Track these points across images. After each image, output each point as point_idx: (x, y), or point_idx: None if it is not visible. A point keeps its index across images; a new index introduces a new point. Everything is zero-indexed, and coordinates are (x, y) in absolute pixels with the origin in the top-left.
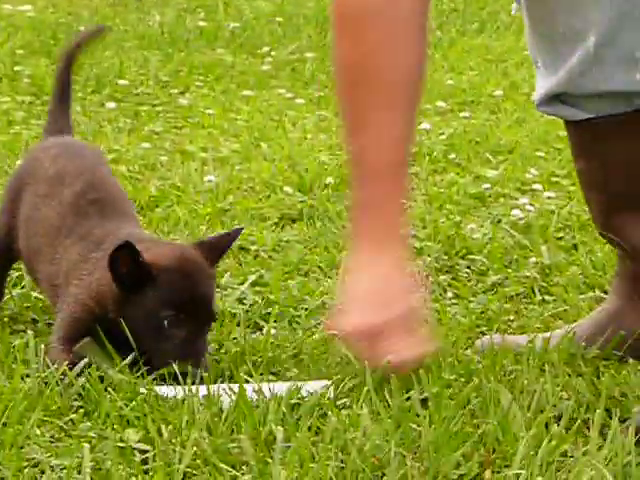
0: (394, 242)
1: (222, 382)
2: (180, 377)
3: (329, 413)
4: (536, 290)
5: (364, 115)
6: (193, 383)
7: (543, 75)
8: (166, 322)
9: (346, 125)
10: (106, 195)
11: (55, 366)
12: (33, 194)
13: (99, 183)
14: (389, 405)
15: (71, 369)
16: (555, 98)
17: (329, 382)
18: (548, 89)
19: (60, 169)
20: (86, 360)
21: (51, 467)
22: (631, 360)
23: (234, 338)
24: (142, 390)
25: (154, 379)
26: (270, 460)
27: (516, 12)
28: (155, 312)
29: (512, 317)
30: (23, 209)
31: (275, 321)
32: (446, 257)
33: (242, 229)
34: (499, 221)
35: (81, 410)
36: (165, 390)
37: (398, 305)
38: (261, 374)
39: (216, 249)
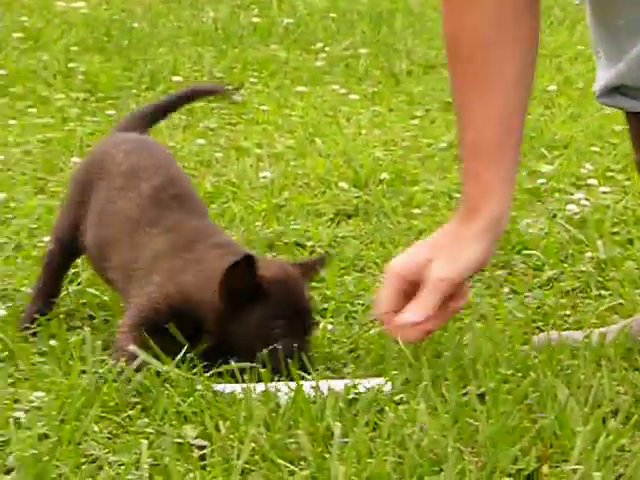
0: (477, 216)
1: (278, 377)
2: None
3: (386, 408)
4: (592, 285)
5: (461, 94)
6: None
7: (604, 66)
8: (275, 334)
9: (452, 101)
10: (184, 192)
11: (113, 362)
12: (106, 188)
13: (176, 179)
14: (446, 400)
15: (134, 358)
16: (615, 90)
17: (386, 378)
18: (608, 81)
19: (134, 164)
20: (144, 356)
21: (109, 463)
22: None
23: None
24: (199, 387)
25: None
26: (328, 455)
27: (580, 3)
28: (265, 325)
29: (568, 312)
30: (94, 203)
31: (331, 317)
32: (502, 252)
33: (330, 255)
34: (554, 216)
35: (138, 406)
36: (224, 387)
37: (440, 269)
38: (317, 370)
39: (308, 269)
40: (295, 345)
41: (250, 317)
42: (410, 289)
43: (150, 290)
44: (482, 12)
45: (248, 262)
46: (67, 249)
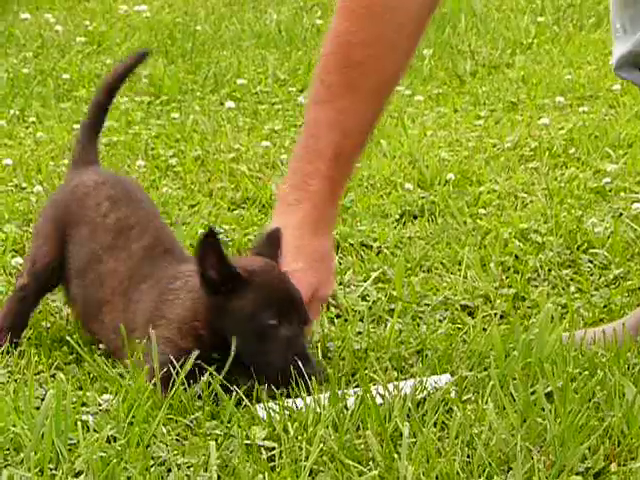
0: (327, 231)
1: (345, 378)
2: (305, 377)
3: (454, 408)
4: None
5: (330, 91)
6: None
7: (622, 40)
8: (270, 324)
9: (313, 91)
10: (172, 243)
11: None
12: (90, 240)
13: (163, 232)
14: (514, 399)
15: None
16: (633, 65)
17: (452, 376)
18: (625, 51)
19: (121, 220)
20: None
21: (177, 465)
22: None
23: (359, 333)
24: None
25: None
26: (396, 456)
27: None
28: (258, 315)
29: None
30: (77, 252)
31: (398, 317)
32: (568, 251)
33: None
34: (620, 215)
35: (207, 408)
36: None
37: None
38: (385, 370)
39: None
40: (291, 336)
41: (239, 308)
42: None
43: (157, 345)
44: (389, 20)
45: (211, 234)
46: (43, 285)
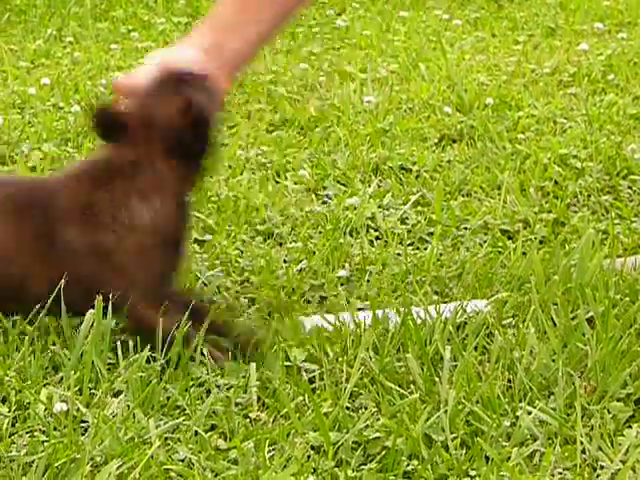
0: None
1: (387, 299)
2: None
3: (495, 332)
4: None
5: None
6: None
7: None
8: None
9: None
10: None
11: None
12: None
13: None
14: (555, 324)
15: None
16: None
17: (493, 300)
18: None
19: None
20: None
21: (217, 386)
22: None
23: (398, 254)
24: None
25: None
26: (437, 379)
27: None
28: None
29: None
30: None
31: (438, 241)
32: (607, 177)
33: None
34: None
35: None
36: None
37: None
38: (425, 293)
39: None
40: None
41: None
42: None
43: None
44: None
45: None
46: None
